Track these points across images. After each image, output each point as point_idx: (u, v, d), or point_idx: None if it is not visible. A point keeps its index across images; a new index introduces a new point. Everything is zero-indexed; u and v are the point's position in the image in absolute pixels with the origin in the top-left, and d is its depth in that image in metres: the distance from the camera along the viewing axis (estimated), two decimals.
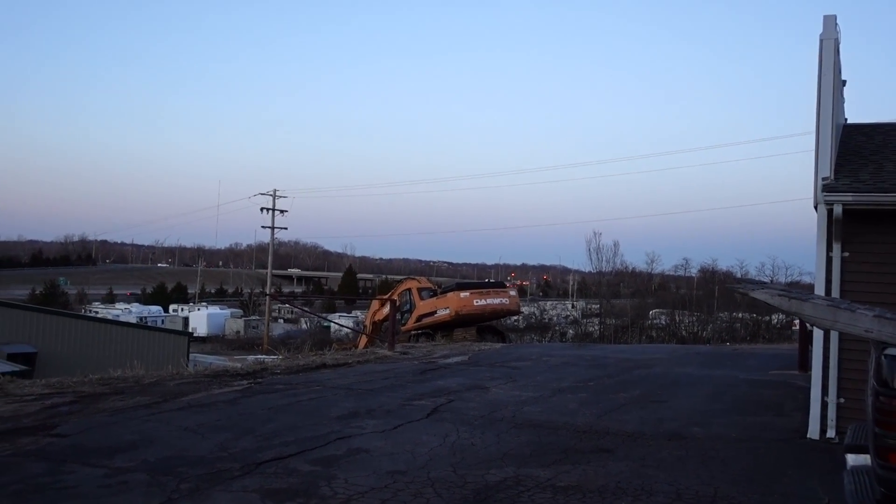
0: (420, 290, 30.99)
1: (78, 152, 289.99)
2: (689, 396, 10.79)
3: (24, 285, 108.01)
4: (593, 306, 69.42)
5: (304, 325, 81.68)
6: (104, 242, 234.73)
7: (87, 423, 7.74)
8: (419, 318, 29.60)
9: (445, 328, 28.57)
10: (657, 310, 64.95)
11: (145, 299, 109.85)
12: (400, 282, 36.32)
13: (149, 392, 9.96)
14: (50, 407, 8.72)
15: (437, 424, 8.12)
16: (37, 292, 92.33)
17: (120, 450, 6.55)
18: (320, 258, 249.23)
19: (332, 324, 63.23)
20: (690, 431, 8.16)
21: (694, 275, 75.40)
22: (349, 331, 49.61)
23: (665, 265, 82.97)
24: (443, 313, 28.56)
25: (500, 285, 34.52)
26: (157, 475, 5.76)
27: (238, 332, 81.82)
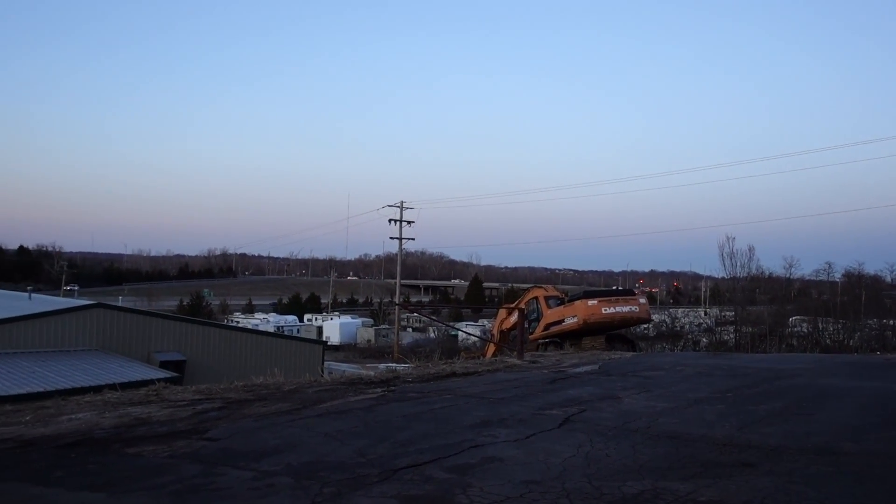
0: (547, 298, 30.82)
1: (218, 172, 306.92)
2: (837, 409, 10.18)
3: (173, 297, 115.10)
4: (727, 313, 66.78)
5: (431, 334, 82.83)
6: (243, 255, 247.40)
7: (235, 428, 8.16)
8: (547, 327, 29.42)
9: (573, 337, 28.25)
10: (797, 317, 61.72)
11: (282, 309, 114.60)
12: (527, 290, 36.22)
13: (289, 399, 10.39)
14: (200, 412, 9.26)
15: (570, 434, 8.04)
16: (184, 303, 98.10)
17: (265, 454, 6.87)
18: (446, 268, 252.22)
19: (460, 332, 63.77)
20: (841, 446, 7.69)
21: (838, 279, 71.22)
22: (476, 339, 49.88)
23: (804, 270, 79.02)
24: (570, 322, 28.27)
25: (628, 293, 33.80)
26: (301, 479, 6.01)
27: (369, 340, 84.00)
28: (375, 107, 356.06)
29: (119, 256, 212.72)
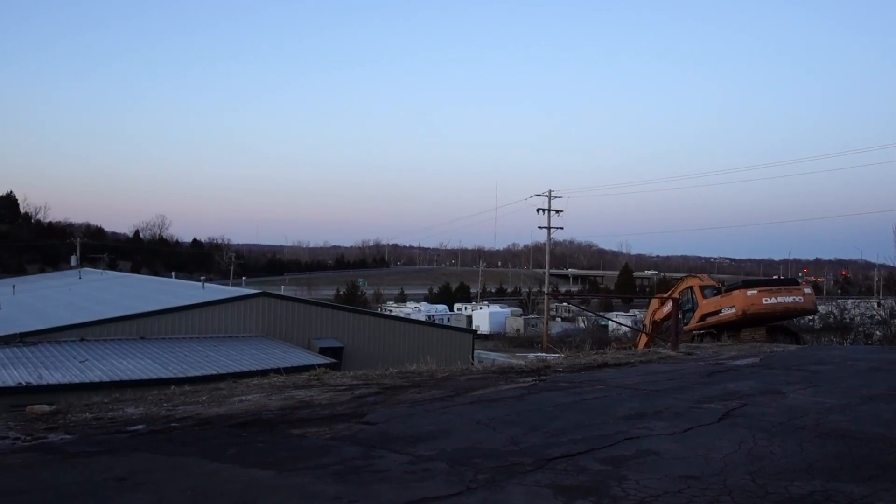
0: (702, 288, 29.67)
1: (371, 166, 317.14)
2: None
3: (330, 286, 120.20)
4: None
5: (581, 324, 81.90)
6: (395, 246, 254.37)
7: (391, 413, 8.43)
8: (702, 318, 28.34)
9: (731, 328, 27.05)
10: None
11: (432, 298, 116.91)
12: (681, 280, 35.01)
13: (442, 386, 10.60)
14: (358, 397, 9.62)
15: (730, 429, 7.72)
16: (340, 292, 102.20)
17: (421, 439, 7.05)
18: (595, 257, 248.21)
19: (611, 322, 62.63)
20: None
21: None
22: (628, 330, 48.81)
23: None
24: (728, 312, 27.08)
25: (792, 282, 31.96)
26: (455, 465, 6.12)
27: (518, 329, 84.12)
28: (525, 96, 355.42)
29: (280, 248, 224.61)
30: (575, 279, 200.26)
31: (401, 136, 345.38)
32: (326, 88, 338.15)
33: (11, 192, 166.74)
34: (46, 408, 9.14)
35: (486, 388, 10.44)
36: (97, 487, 5.53)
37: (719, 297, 28.16)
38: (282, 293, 40.32)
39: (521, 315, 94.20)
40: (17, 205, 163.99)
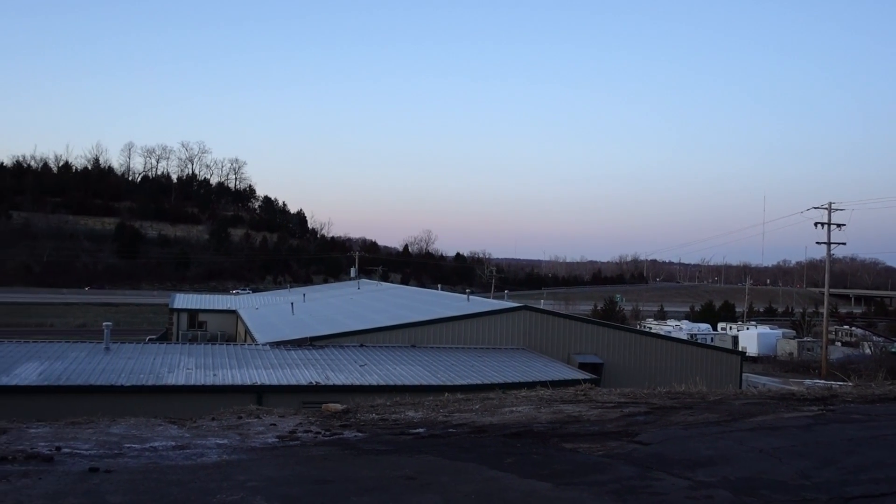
0: None
1: (628, 180, 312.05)
2: None
3: (587, 301, 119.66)
4: None
5: (866, 350, 73.88)
6: (654, 262, 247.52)
7: (664, 434, 8.19)
8: None
9: None
10: None
11: (693, 317, 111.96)
12: None
13: (715, 409, 10.10)
14: (628, 415, 9.47)
15: None
16: (598, 308, 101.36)
17: (699, 464, 6.78)
18: (881, 275, 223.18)
19: None
20: None
21: None
22: None
23: None
24: None
25: None
26: (739, 494, 5.81)
27: (791, 353, 77.98)
28: (797, 102, 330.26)
29: (538, 262, 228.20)
30: (857, 300, 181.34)
31: (660, 149, 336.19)
32: (593, 104, 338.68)
33: (301, 210, 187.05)
34: (339, 406, 10.05)
35: (766, 414, 9.77)
36: (390, 484, 5.98)
37: None
38: (541, 307, 40.84)
39: (793, 337, 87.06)
40: (306, 221, 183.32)
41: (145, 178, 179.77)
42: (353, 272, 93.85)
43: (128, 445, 7.33)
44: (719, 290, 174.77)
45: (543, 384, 12.95)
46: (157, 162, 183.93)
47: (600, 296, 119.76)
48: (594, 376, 24.63)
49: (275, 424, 8.68)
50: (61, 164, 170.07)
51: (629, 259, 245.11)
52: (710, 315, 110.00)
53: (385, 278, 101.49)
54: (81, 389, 19.53)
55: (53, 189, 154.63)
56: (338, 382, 21.59)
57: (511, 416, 9.33)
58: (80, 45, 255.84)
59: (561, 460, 6.88)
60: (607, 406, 10.22)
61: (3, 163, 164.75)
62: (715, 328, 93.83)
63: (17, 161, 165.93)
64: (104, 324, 27.36)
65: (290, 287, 78.40)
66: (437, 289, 58.57)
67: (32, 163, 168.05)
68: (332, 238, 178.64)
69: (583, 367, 29.25)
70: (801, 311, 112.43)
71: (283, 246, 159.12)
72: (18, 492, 5.50)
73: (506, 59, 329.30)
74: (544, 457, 7.01)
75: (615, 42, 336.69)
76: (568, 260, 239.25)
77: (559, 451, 7.26)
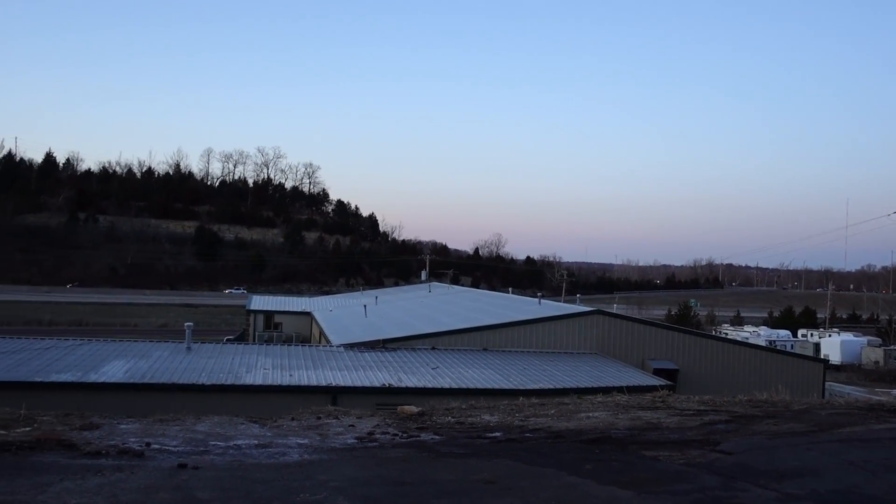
0: None
1: (703, 183, 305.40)
2: None
3: (661, 306, 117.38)
4: None
5: None
6: (729, 266, 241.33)
7: (747, 444, 7.98)
8: None
9: None
10: None
11: (772, 323, 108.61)
12: None
13: (800, 419, 9.78)
14: (708, 423, 9.26)
15: None
16: (672, 313, 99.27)
17: (786, 475, 6.58)
18: None
19: None
20: None
21: None
22: None
23: None
24: None
25: None
26: None
27: (876, 361, 74.89)
28: (881, 103, 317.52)
29: (610, 266, 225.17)
30: None
31: (738, 151, 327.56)
32: (673, 105, 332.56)
33: (373, 213, 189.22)
34: (415, 409, 10.13)
35: (854, 425, 9.42)
36: (470, 488, 5.99)
37: None
38: (613, 311, 40.23)
39: (879, 345, 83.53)
40: (378, 225, 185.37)
41: (223, 182, 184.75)
42: (423, 275, 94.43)
43: (213, 443, 7.55)
44: (799, 296, 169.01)
45: (619, 390, 12.77)
46: (235, 167, 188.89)
47: (674, 300, 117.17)
48: (669, 382, 24.13)
49: (353, 425, 8.81)
50: (144, 169, 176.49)
51: (704, 263, 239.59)
52: (789, 321, 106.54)
53: (455, 281, 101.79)
54: (165, 387, 20.18)
55: (137, 194, 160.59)
56: (410, 385, 21.71)
57: (588, 422, 9.23)
58: (162, 57, 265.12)
59: (641, 468, 6.77)
60: (686, 414, 10.02)
61: (91, 169, 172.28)
62: (795, 335, 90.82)
63: (104, 167, 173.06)
64: (186, 324, 28.21)
65: (363, 289, 79.41)
66: (507, 292, 58.38)
67: (118, 168, 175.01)
68: (403, 241, 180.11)
69: (657, 372, 28.68)
70: (888, 317, 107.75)
71: (355, 249, 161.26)
72: (113, 485, 5.73)
73: (575, 66, 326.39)
74: (624, 464, 6.91)
75: (714, 36, 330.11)
76: (641, 264, 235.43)
77: (639, 459, 7.15)
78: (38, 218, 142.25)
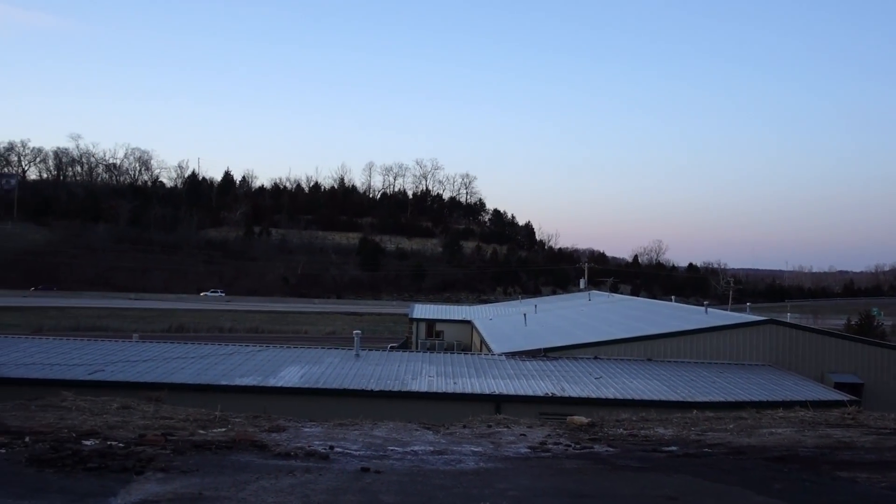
0: None
1: (884, 177, 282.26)
2: None
3: (838, 315, 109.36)
4: None
5: None
6: None
7: None
8: None
9: None
10: None
11: None
12: None
13: None
14: None
15: None
16: (851, 322, 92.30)
17: None
18: None
19: None
20: None
21: None
22: None
23: None
24: None
25: None
26: None
27: None
28: None
29: (780, 273, 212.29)
30: None
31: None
32: (840, 102, 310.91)
33: (529, 222, 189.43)
34: (584, 419, 10.00)
35: None
36: (650, 503, 5.84)
37: None
38: (787, 320, 37.94)
39: None
40: (534, 233, 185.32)
41: (384, 194, 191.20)
42: (581, 283, 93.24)
43: (391, 448, 7.81)
44: None
45: (801, 404, 12.01)
46: (395, 179, 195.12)
47: (853, 309, 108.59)
48: (854, 398, 22.43)
49: (524, 435, 8.83)
50: (312, 184, 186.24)
51: (887, 269, 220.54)
52: None
53: (614, 289, 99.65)
54: (337, 392, 21.13)
55: (305, 207, 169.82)
56: (573, 394, 21.48)
57: (771, 438, 8.76)
58: (324, 78, 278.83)
59: (838, 491, 6.34)
60: (883, 432, 9.28)
61: (264, 185, 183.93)
62: None
63: (275, 183, 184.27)
64: (354, 332, 29.35)
65: (521, 298, 79.49)
66: (668, 300, 56.48)
67: (287, 184, 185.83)
68: (560, 249, 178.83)
69: (839, 387, 26.72)
70: None
71: (512, 258, 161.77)
72: (304, 486, 6.06)
73: (737, 65, 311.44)
74: (817, 485, 6.50)
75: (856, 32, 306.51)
76: (814, 270, 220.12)
77: (834, 481, 6.70)
78: (219, 232, 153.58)
